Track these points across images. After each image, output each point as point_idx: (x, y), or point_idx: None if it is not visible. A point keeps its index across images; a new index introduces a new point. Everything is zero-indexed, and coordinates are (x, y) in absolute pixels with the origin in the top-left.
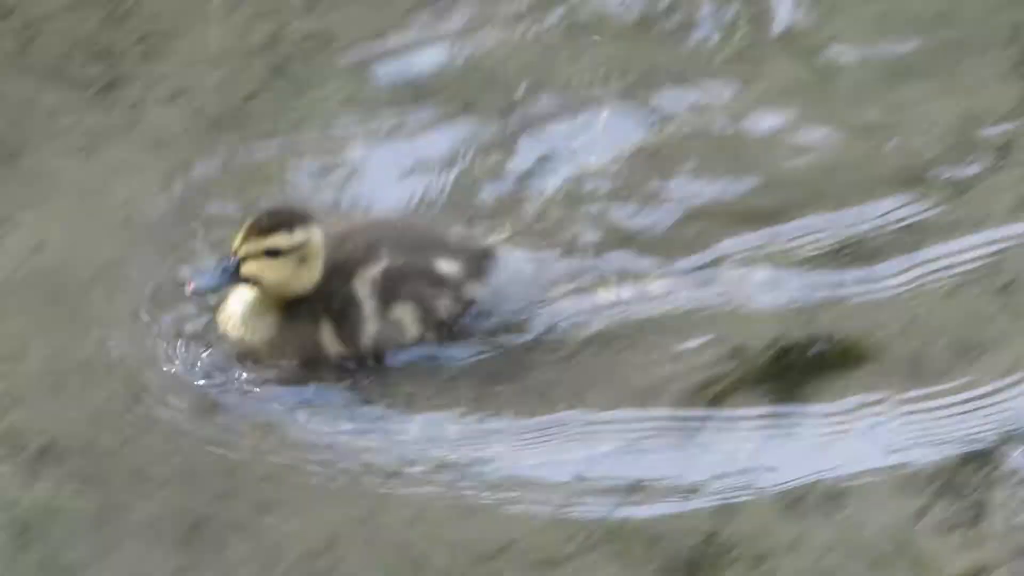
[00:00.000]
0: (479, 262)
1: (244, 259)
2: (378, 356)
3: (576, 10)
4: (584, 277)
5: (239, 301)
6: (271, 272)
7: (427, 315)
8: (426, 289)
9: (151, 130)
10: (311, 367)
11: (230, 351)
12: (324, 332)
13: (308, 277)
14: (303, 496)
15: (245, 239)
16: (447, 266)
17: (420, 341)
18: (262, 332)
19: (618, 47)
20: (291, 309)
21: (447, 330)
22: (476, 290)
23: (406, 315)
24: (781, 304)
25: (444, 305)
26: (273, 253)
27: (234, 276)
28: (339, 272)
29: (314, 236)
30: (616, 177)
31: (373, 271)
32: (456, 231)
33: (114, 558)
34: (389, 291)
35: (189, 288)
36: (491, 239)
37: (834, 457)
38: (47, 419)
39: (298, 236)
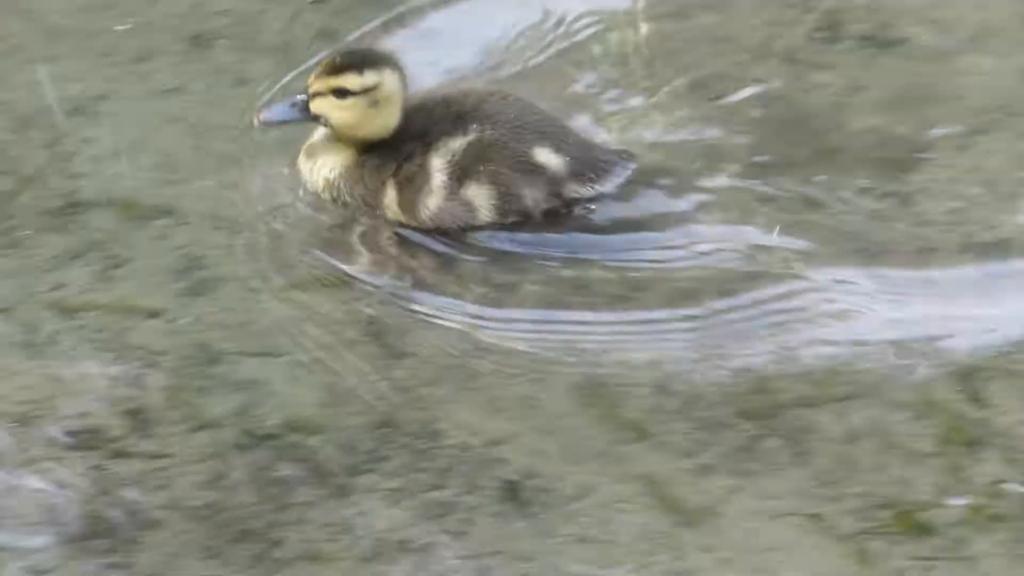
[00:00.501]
0: (593, 163)
1: (314, 96)
2: (439, 232)
3: None
4: None
5: (317, 136)
6: (339, 112)
7: (505, 202)
8: (510, 174)
9: None
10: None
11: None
12: (387, 195)
13: (382, 123)
14: None
15: (317, 76)
16: (547, 156)
17: (494, 226)
18: (324, 171)
19: None
20: (360, 159)
21: (534, 221)
22: (581, 190)
23: (479, 197)
24: None
25: (532, 196)
26: (341, 93)
27: (303, 111)
28: (422, 137)
29: (386, 80)
30: None
31: (456, 144)
32: (582, 127)
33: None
34: (465, 169)
35: (258, 119)
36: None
37: None
38: None
39: (368, 79)
